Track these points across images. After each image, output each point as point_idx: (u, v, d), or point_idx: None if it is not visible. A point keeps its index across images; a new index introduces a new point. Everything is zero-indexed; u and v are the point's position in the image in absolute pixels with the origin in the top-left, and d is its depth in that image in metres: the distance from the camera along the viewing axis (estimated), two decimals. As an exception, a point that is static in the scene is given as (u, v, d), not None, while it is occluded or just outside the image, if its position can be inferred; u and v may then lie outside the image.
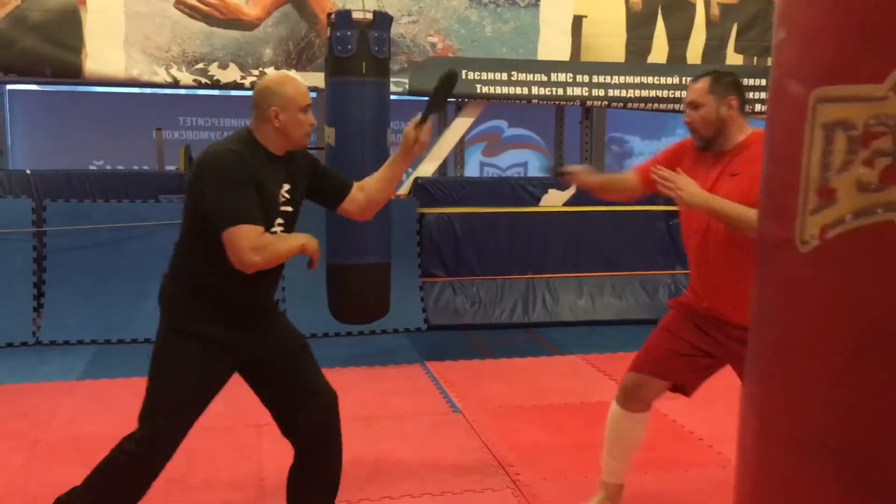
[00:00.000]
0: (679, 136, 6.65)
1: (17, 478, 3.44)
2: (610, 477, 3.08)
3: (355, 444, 3.82)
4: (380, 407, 4.37)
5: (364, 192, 2.82)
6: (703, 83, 2.76)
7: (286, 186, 2.60)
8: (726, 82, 2.75)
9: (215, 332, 2.53)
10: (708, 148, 2.77)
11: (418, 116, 2.72)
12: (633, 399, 2.96)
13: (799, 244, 1.24)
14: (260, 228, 2.45)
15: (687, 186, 2.62)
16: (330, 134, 5.09)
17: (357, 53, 4.97)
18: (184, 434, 2.58)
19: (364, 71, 4.98)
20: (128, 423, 4.05)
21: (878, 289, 1.15)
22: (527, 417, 4.22)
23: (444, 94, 2.88)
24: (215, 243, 2.45)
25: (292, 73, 6.42)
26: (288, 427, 2.72)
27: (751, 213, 2.46)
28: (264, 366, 2.66)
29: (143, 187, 6.25)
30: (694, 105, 2.75)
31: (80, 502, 2.62)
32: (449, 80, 2.81)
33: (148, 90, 9.20)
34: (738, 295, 2.47)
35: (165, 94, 9.76)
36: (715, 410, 4.13)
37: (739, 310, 2.52)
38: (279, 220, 2.58)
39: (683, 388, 2.96)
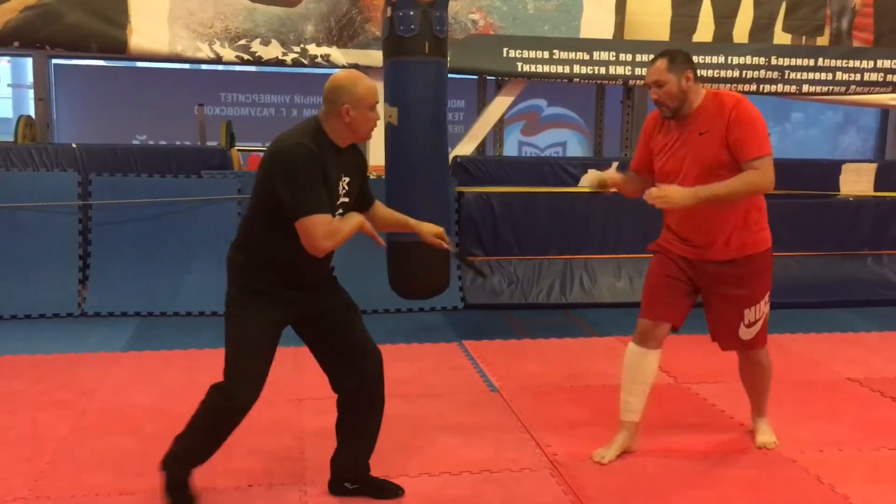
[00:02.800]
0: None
1: (65, 446, 3.53)
2: (629, 415, 3.46)
3: (393, 421, 3.83)
4: (417, 385, 4.39)
5: (374, 215, 3.11)
6: (661, 63, 3.23)
7: (346, 179, 2.85)
8: (681, 59, 3.24)
9: (277, 290, 2.83)
10: (674, 116, 3.28)
11: (456, 247, 3.13)
12: (650, 339, 3.40)
13: None
14: (329, 216, 2.73)
15: (675, 194, 3.12)
16: (392, 114, 5.08)
17: (420, 33, 4.94)
18: (264, 377, 2.84)
19: (427, 50, 4.96)
20: (172, 394, 4.17)
21: None
22: (565, 398, 4.21)
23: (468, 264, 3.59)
24: (283, 226, 2.72)
25: (334, 49, 6.44)
26: (338, 380, 3.00)
27: (728, 187, 3.12)
28: (317, 321, 2.94)
29: (186, 162, 6.32)
30: (658, 84, 3.22)
31: (177, 446, 2.93)
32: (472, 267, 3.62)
33: (190, 66, 9.29)
34: (721, 236, 3.27)
35: (207, 70, 9.84)
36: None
37: (721, 248, 3.29)
38: (339, 212, 2.83)
39: (676, 328, 3.45)
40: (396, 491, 3.11)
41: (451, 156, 6.69)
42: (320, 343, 2.99)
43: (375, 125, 2.85)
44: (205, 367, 4.67)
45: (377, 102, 2.82)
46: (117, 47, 6.23)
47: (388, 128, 5.16)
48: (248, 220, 2.88)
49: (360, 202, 3.01)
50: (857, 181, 6.91)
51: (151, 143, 9.66)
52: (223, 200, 5.98)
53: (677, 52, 3.28)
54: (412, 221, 3.15)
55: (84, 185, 5.97)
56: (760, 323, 3.40)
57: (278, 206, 2.71)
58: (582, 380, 4.54)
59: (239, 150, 7.07)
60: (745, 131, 3.13)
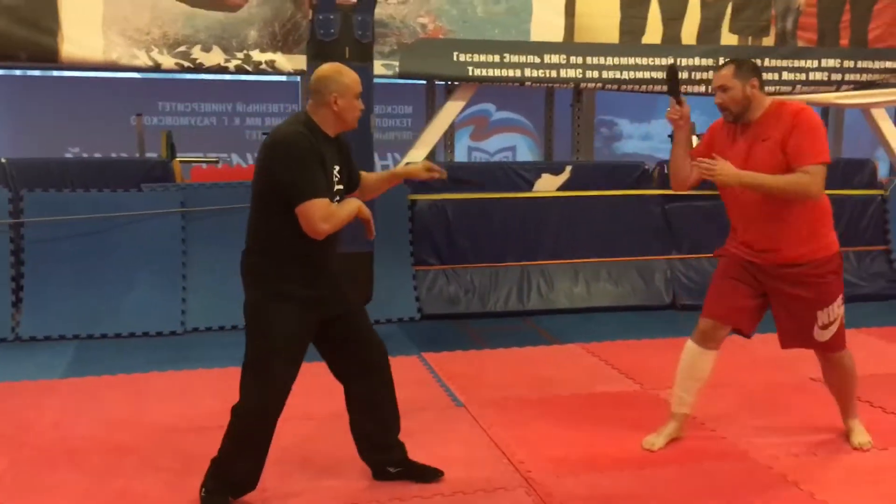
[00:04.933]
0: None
1: (2, 483, 3.25)
2: (681, 408, 3.60)
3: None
4: (379, 401, 4.21)
5: (364, 185, 3.22)
6: (729, 70, 3.34)
7: (336, 167, 2.97)
8: (747, 67, 3.35)
9: (304, 292, 2.90)
10: (737, 121, 3.39)
11: (443, 171, 3.24)
12: (709, 340, 3.50)
13: None
14: (327, 200, 2.82)
15: (724, 170, 3.22)
16: None
17: (340, 38, 4.90)
18: (289, 385, 2.92)
19: (347, 55, 4.90)
20: (117, 423, 3.91)
21: None
22: (533, 411, 4.08)
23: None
24: (287, 214, 2.80)
25: (278, 55, 6.24)
26: (347, 371, 3.10)
27: (775, 181, 3.20)
28: (335, 323, 3.03)
29: (125, 175, 6.05)
30: (723, 88, 3.33)
31: (214, 469, 2.97)
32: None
33: (124, 74, 8.94)
34: (784, 243, 3.32)
35: (143, 79, 9.49)
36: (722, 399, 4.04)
37: (785, 253, 3.33)
38: (336, 199, 2.93)
39: (743, 332, 3.54)
40: (436, 474, 3.21)
41: (403, 162, 6.54)
42: (333, 344, 3.08)
43: (360, 113, 2.99)
44: (150, 391, 4.43)
45: (360, 91, 2.96)
46: (48, 56, 5.92)
47: None
48: (258, 221, 2.92)
49: (355, 181, 3.13)
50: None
51: (85, 155, 9.27)
52: (165, 214, 5.72)
53: (744, 61, 3.40)
54: (398, 170, 3.39)
55: (15, 203, 5.63)
56: (836, 325, 3.43)
57: (278, 195, 2.80)
58: (548, 390, 4.42)
59: (181, 161, 6.79)
60: (804, 138, 3.21)
